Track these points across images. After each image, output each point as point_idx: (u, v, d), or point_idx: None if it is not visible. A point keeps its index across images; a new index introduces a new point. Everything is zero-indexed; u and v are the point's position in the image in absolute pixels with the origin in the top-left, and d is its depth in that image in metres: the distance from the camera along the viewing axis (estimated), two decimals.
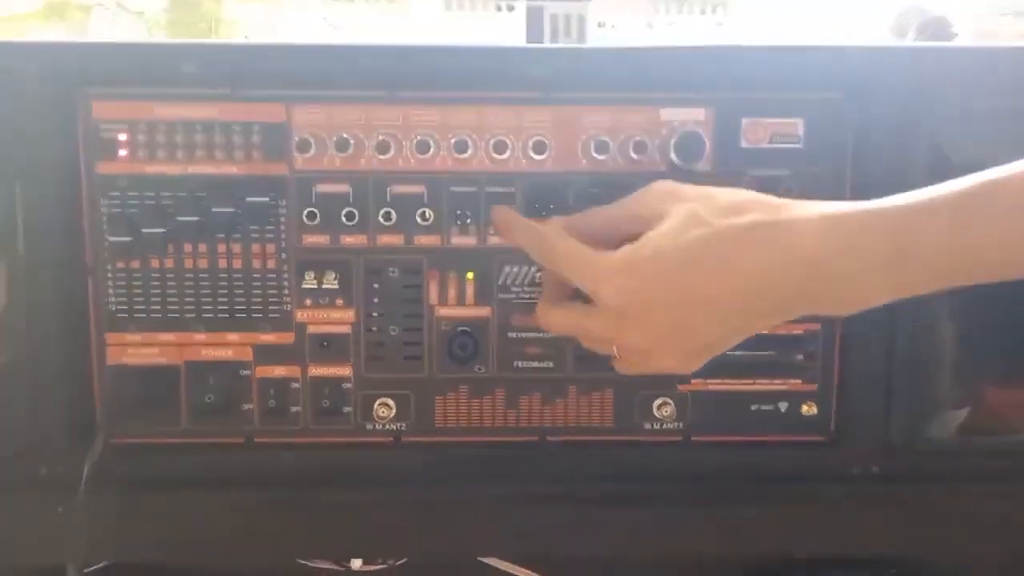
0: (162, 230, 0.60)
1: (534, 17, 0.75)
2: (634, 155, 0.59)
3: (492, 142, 0.59)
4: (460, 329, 0.62)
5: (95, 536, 0.59)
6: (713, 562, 0.67)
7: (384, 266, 0.61)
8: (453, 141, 0.59)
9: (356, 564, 0.66)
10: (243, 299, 0.61)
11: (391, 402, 0.62)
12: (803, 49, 0.60)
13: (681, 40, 0.64)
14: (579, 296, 0.54)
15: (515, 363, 0.62)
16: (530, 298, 0.61)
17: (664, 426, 0.63)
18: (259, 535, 0.62)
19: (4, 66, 0.57)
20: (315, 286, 0.61)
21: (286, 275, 0.61)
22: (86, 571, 0.61)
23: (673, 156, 0.59)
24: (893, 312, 0.60)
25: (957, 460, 0.63)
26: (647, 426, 0.63)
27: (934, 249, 0.45)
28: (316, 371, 0.62)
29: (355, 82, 0.59)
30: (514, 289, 0.61)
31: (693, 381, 0.63)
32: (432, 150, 0.59)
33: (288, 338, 0.62)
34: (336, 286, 0.61)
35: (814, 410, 0.63)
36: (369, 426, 0.63)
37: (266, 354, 0.62)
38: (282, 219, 0.60)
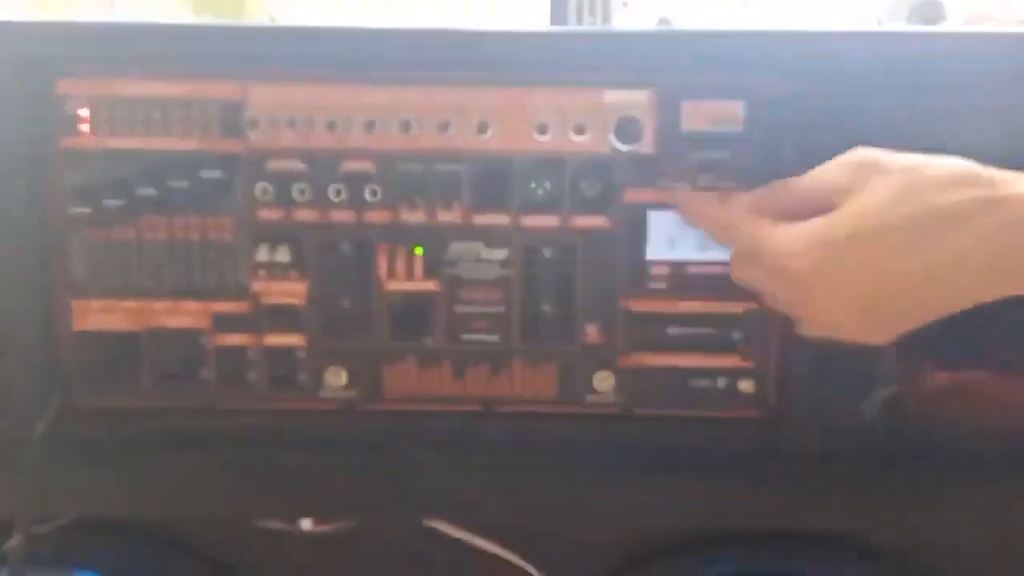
0: (122, 202, 0.62)
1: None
2: (575, 137, 0.61)
3: (438, 122, 0.61)
4: (409, 302, 0.64)
5: (58, 495, 0.62)
6: (652, 533, 0.69)
7: (335, 240, 0.63)
8: (399, 121, 0.61)
9: (306, 524, 0.69)
10: (200, 270, 0.63)
11: (342, 371, 0.65)
12: (744, 33, 0.60)
13: (628, 24, 0.65)
14: None
15: (462, 336, 0.64)
16: (476, 273, 0.63)
17: (605, 399, 0.65)
18: (214, 495, 0.65)
19: None
20: (268, 259, 0.63)
21: (241, 248, 0.63)
22: (50, 526, 0.65)
23: (613, 139, 0.61)
24: None
25: (895, 438, 0.64)
26: (588, 398, 0.65)
27: None
28: (271, 340, 0.64)
29: (308, 63, 0.61)
30: (462, 264, 0.63)
31: (634, 356, 0.65)
32: (379, 129, 0.61)
33: (244, 307, 0.64)
34: (289, 259, 0.63)
35: (752, 387, 0.65)
36: (321, 393, 0.65)
37: (223, 323, 0.64)
38: (238, 194, 0.62)
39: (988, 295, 0.48)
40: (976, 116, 0.60)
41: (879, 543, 0.69)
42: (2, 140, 0.61)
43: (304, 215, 0.62)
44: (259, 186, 0.62)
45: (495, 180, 0.62)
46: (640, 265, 0.63)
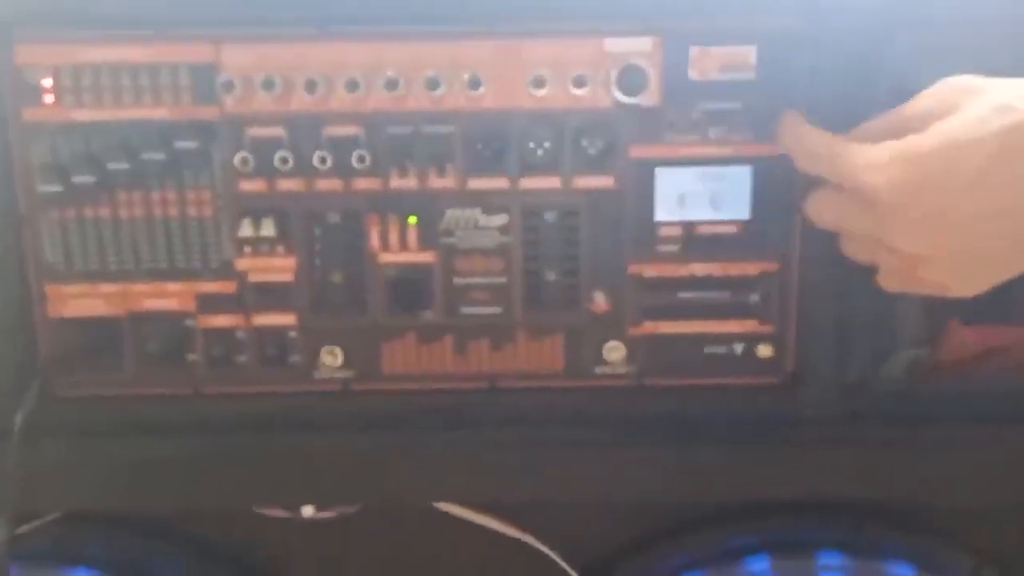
0: (93, 178, 0.57)
1: None
2: (575, 90, 0.56)
3: (426, 79, 0.56)
4: (404, 275, 0.59)
5: (43, 488, 0.59)
6: (668, 506, 0.66)
7: (323, 211, 0.58)
8: (385, 79, 0.56)
9: (307, 512, 0.65)
10: (182, 248, 0.59)
11: (337, 350, 0.60)
12: None
13: None
14: None
15: (462, 309, 0.60)
16: (474, 242, 0.59)
17: (615, 370, 0.61)
18: (208, 484, 0.61)
19: None
20: (253, 234, 0.58)
21: (224, 223, 0.59)
22: (38, 521, 0.61)
23: (615, 91, 0.56)
24: None
25: (915, 400, 0.60)
26: (598, 370, 0.61)
27: None
28: (260, 320, 0.60)
29: (285, 19, 0.56)
30: (458, 233, 0.59)
31: (645, 324, 0.60)
32: (363, 89, 0.56)
33: (230, 287, 0.59)
34: (274, 233, 0.58)
35: (770, 352, 0.60)
36: (316, 374, 0.61)
37: (209, 303, 0.60)
38: (216, 164, 0.58)
39: None
40: (997, 50, 0.55)
41: (901, 508, 0.66)
42: None
43: (288, 185, 0.58)
44: (239, 155, 0.57)
45: (490, 141, 0.57)
46: (649, 227, 0.58)
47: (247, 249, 0.59)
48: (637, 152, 0.57)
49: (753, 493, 0.63)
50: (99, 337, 0.60)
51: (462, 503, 0.65)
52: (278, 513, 0.65)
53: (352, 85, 0.56)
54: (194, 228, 0.58)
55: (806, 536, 0.65)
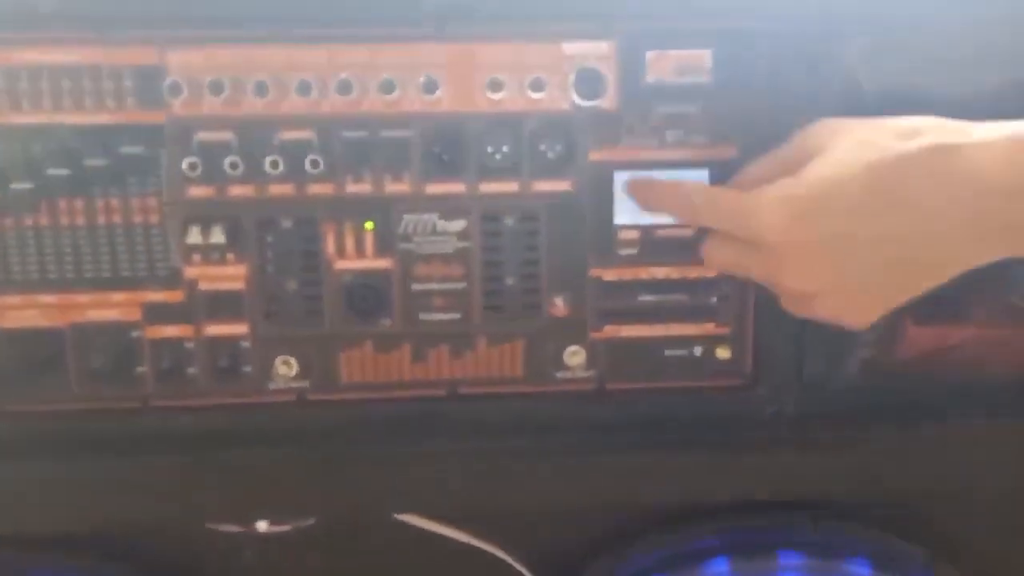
0: (32, 185, 0.54)
1: None
2: (532, 94, 0.55)
3: (381, 82, 0.54)
4: (361, 282, 0.58)
5: None
6: (630, 510, 0.65)
7: (276, 217, 0.56)
8: (339, 82, 0.54)
9: (261, 526, 0.63)
10: (127, 257, 0.56)
11: (292, 360, 0.58)
12: None
13: None
14: None
15: (421, 316, 0.59)
16: (432, 248, 0.57)
17: (576, 375, 0.60)
18: (158, 501, 0.59)
19: None
20: (202, 241, 0.56)
21: (171, 230, 0.56)
22: None
23: (573, 94, 0.55)
24: None
25: (871, 399, 0.61)
26: (559, 375, 0.60)
27: None
28: (211, 330, 0.58)
29: (233, 20, 0.54)
30: (416, 239, 0.57)
31: (605, 328, 0.60)
32: (316, 92, 0.54)
33: (178, 296, 0.57)
34: (224, 240, 0.56)
35: (728, 353, 0.60)
36: (271, 385, 0.59)
37: (156, 313, 0.57)
38: (162, 170, 0.55)
39: (979, 257, 0.44)
40: (949, 52, 0.56)
41: (860, 508, 0.66)
42: None
43: (239, 191, 0.55)
44: (186, 161, 0.54)
45: (447, 145, 0.56)
46: (608, 230, 0.58)
47: (196, 257, 0.56)
48: (596, 156, 0.57)
49: (714, 494, 0.63)
50: (40, 350, 0.57)
51: (423, 514, 0.63)
52: (231, 528, 0.63)
53: (304, 88, 0.54)
54: (140, 236, 0.56)
55: (766, 537, 0.65)
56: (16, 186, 0.54)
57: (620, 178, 0.57)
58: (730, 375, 0.61)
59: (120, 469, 0.59)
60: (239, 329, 0.58)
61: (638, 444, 0.60)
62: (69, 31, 0.53)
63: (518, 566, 0.67)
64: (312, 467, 0.59)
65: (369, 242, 0.57)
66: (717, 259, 0.53)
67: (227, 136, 0.55)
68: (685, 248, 0.58)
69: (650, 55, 0.55)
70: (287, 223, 0.56)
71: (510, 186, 0.57)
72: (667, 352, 0.60)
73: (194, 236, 0.56)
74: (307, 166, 0.55)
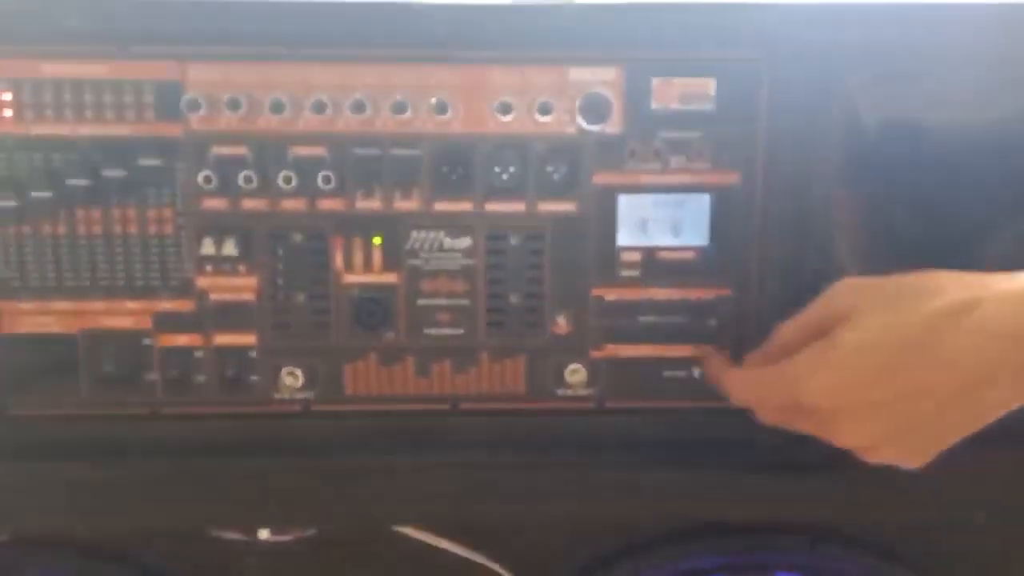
0: (51, 194, 0.56)
1: None
2: (540, 117, 0.56)
3: (394, 102, 0.55)
4: (368, 296, 0.59)
5: None
6: (627, 528, 0.66)
7: (287, 231, 0.57)
8: (352, 102, 0.55)
9: (264, 535, 0.63)
10: (140, 266, 0.57)
11: (298, 371, 0.59)
12: (715, 6, 0.56)
13: None
14: None
15: (425, 330, 0.59)
16: (438, 264, 0.58)
17: (576, 392, 0.61)
18: (164, 507, 0.59)
19: None
20: (214, 252, 0.57)
21: (184, 241, 0.57)
22: None
23: (579, 118, 0.56)
24: (803, 279, 0.58)
25: None
26: (559, 392, 0.61)
27: None
28: (220, 340, 0.58)
29: (252, 39, 0.55)
30: (422, 255, 0.58)
31: (606, 347, 0.60)
32: (331, 111, 0.55)
33: (189, 306, 0.58)
34: (236, 252, 0.57)
35: None
36: (277, 395, 0.59)
37: (167, 322, 0.58)
38: (178, 183, 0.56)
39: (1015, 401, 0.46)
40: (950, 87, 0.57)
41: (856, 531, 0.66)
42: None
43: (252, 204, 0.56)
44: (202, 174, 0.56)
45: (456, 164, 0.57)
46: (611, 252, 0.58)
47: (208, 268, 0.57)
48: (600, 179, 0.58)
49: (711, 515, 0.63)
50: (54, 355, 0.58)
51: (423, 526, 0.63)
52: (234, 536, 0.63)
53: (319, 107, 0.55)
54: (154, 246, 0.57)
55: (762, 558, 0.65)
56: (36, 195, 0.55)
57: (623, 201, 0.58)
58: (728, 397, 0.61)
59: (126, 474, 0.59)
60: (247, 339, 0.58)
61: (636, 463, 0.61)
62: (92, 46, 0.54)
63: None
64: (315, 478, 0.60)
65: (377, 257, 0.58)
66: (772, 423, 0.54)
67: (242, 151, 0.56)
68: (686, 270, 0.59)
69: (656, 82, 0.56)
70: (298, 237, 0.57)
71: (516, 206, 0.58)
72: (666, 372, 0.61)
73: (207, 247, 0.57)
74: (319, 182, 0.56)
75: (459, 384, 0.60)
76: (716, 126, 0.57)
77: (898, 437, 0.48)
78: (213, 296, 0.58)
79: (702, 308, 0.60)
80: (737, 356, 0.60)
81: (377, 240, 0.58)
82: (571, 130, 0.57)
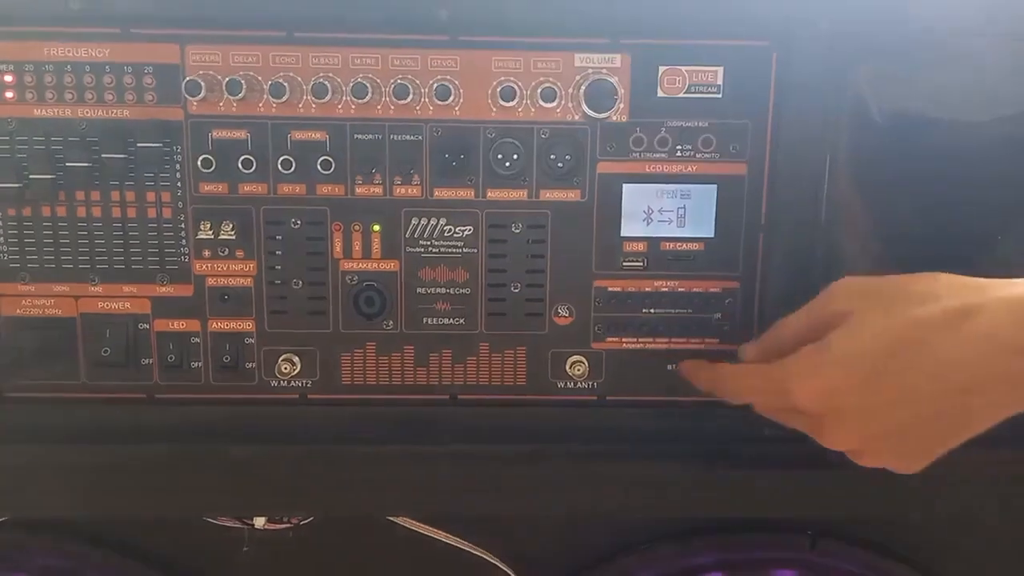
0: (51, 176, 0.55)
1: None
2: (543, 103, 0.55)
3: (395, 87, 0.54)
4: (366, 283, 0.57)
5: None
6: (625, 522, 0.64)
7: (285, 216, 0.56)
8: (353, 86, 0.54)
9: (259, 522, 0.63)
10: (139, 250, 0.56)
11: (295, 358, 0.58)
12: None
13: None
14: None
15: (425, 319, 0.58)
16: (438, 252, 0.58)
17: (578, 385, 0.59)
18: (160, 491, 0.58)
19: None
20: (212, 237, 0.56)
21: (183, 225, 0.56)
22: None
23: (584, 106, 0.55)
24: (812, 274, 0.57)
25: None
26: (560, 385, 0.59)
27: None
28: (217, 325, 0.57)
29: (252, 22, 0.54)
30: (422, 242, 0.57)
31: (608, 340, 0.59)
32: (331, 95, 0.54)
33: (187, 290, 0.57)
34: (233, 236, 0.56)
35: None
36: (273, 382, 0.58)
37: (164, 307, 0.57)
38: (177, 166, 0.56)
39: (1008, 410, 0.45)
40: (960, 77, 0.55)
41: (856, 528, 0.65)
42: None
43: (250, 189, 0.56)
44: (201, 157, 0.55)
45: (458, 151, 0.55)
46: (614, 242, 0.57)
47: (206, 252, 0.56)
48: (604, 167, 0.56)
49: (711, 510, 0.61)
50: (52, 338, 0.57)
51: (419, 517, 0.62)
52: (230, 523, 0.63)
53: (320, 90, 0.54)
54: (152, 230, 0.56)
55: (761, 554, 0.64)
56: (35, 177, 0.54)
57: (628, 190, 0.57)
58: None
59: (122, 458, 0.58)
60: (245, 325, 0.57)
61: (637, 457, 0.59)
62: (93, 28, 0.54)
63: (511, 573, 0.66)
64: (311, 465, 0.59)
65: (376, 244, 0.57)
66: (769, 417, 0.53)
67: (241, 134, 0.55)
68: (691, 262, 0.58)
69: (663, 69, 0.55)
70: (296, 222, 0.56)
71: (518, 194, 0.56)
72: (670, 366, 0.59)
73: (205, 231, 0.56)
74: (318, 167, 0.55)
75: (458, 375, 0.59)
76: (723, 115, 0.55)
77: (888, 443, 0.47)
78: (211, 281, 0.57)
79: (707, 301, 0.58)
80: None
81: (376, 227, 0.57)
82: (575, 117, 0.55)
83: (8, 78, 0.54)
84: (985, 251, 0.56)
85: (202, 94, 0.53)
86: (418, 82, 0.54)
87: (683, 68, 0.55)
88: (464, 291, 0.58)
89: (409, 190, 0.56)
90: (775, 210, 0.57)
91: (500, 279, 0.57)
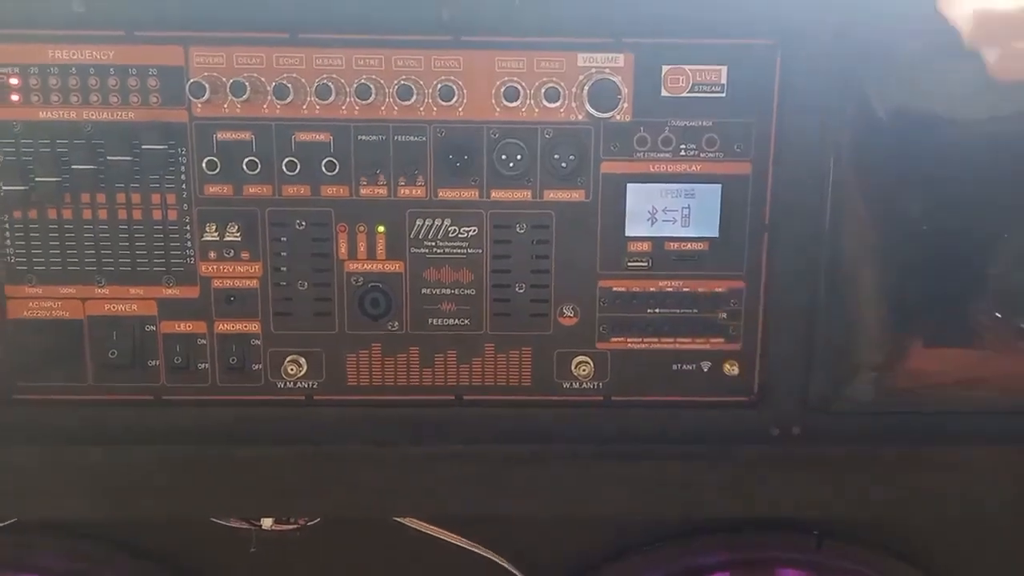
0: (57, 179, 0.55)
1: None
2: (547, 103, 0.54)
3: (399, 88, 0.54)
4: (372, 284, 0.57)
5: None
6: (631, 522, 0.64)
7: (290, 218, 0.56)
8: (357, 87, 0.54)
9: (266, 523, 0.62)
10: (144, 251, 0.56)
11: (301, 359, 0.58)
12: None
13: None
14: None
15: (430, 320, 0.58)
16: (443, 253, 0.57)
17: (583, 386, 0.59)
18: (167, 492, 0.58)
19: None
20: (217, 238, 0.56)
21: (188, 227, 0.56)
22: None
23: (588, 106, 0.55)
24: (817, 273, 0.56)
25: (875, 421, 0.59)
26: (566, 385, 0.59)
27: None
28: (223, 327, 0.57)
29: (255, 24, 0.53)
30: (427, 243, 0.57)
31: (613, 340, 0.59)
32: (335, 96, 0.54)
33: (193, 292, 0.57)
34: (238, 238, 0.56)
35: (736, 370, 0.58)
36: (279, 384, 0.58)
37: (171, 309, 0.57)
38: (182, 168, 0.55)
39: None
40: (963, 78, 0.55)
41: (862, 528, 0.65)
42: None
43: (255, 190, 0.55)
44: (206, 159, 0.55)
45: (462, 151, 0.55)
46: (619, 242, 0.57)
47: (211, 254, 0.56)
48: (608, 167, 0.56)
49: (717, 510, 0.61)
50: (59, 340, 0.57)
51: (425, 517, 0.62)
52: (237, 524, 0.62)
53: (323, 92, 0.53)
54: (158, 232, 0.56)
55: (767, 553, 0.63)
56: (41, 179, 0.54)
57: (632, 190, 0.56)
58: (738, 392, 0.59)
59: (130, 460, 0.58)
60: (251, 327, 0.57)
61: (642, 457, 0.59)
62: (98, 31, 0.53)
63: (517, 572, 0.65)
64: (317, 466, 0.58)
65: (381, 245, 0.57)
66: None
67: (246, 136, 0.55)
68: (695, 262, 0.57)
69: (666, 69, 0.54)
70: (301, 224, 0.56)
71: (522, 194, 0.56)
72: (674, 366, 0.59)
73: (210, 233, 0.56)
74: (323, 168, 0.55)
75: (464, 375, 0.58)
76: (727, 115, 0.55)
77: None
78: (217, 283, 0.57)
79: (711, 301, 0.58)
80: (749, 351, 0.59)
81: (381, 228, 0.56)
82: (579, 117, 0.55)
83: (13, 81, 0.54)
84: (988, 250, 0.56)
85: (206, 96, 0.53)
86: (422, 83, 0.54)
87: (687, 67, 0.55)
88: (469, 292, 0.57)
89: (413, 191, 0.56)
90: (779, 209, 0.56)
91: (505, 280, 0.57)
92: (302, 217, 0.56)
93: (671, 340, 0.58)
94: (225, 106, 0.54)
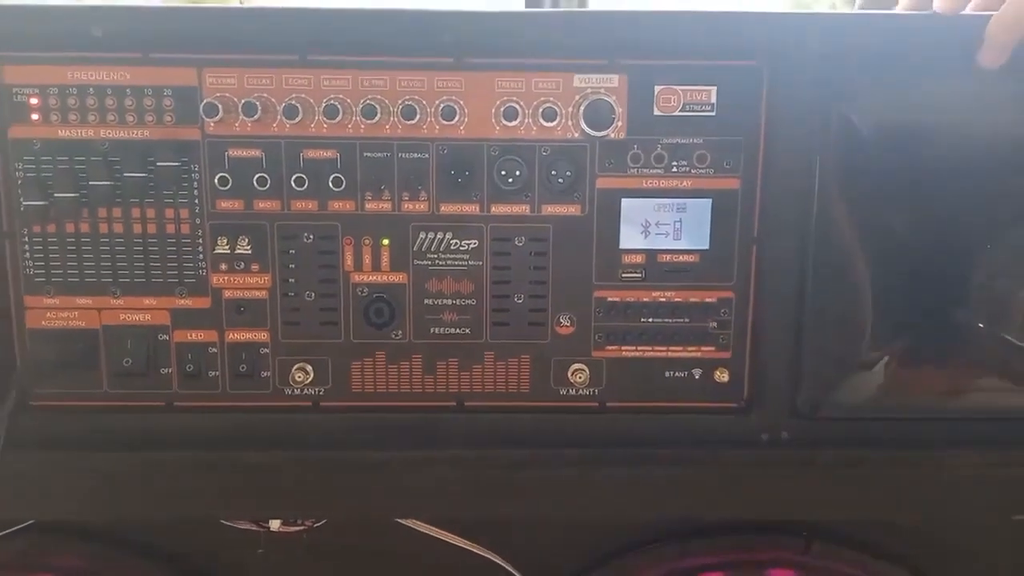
0: (75, 194, 0.57)
1: None
2: (545, 122, 0.57)
3: (403, 107, 0.56)
4: (376, 295, 0.59)
5: (16, 497, 0.58)
6: (626, 525, 0.66)
7: (298, 232, 0.58)
8: (363, 106, 0.56)
9: (274, 525, 0.64)
10: (158, 264, 0.58)
11: (308, 367, 0.60)
12: (717, 16, 0.56)
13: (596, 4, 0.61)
14: None
15: (432, 329, 0.60)
16: (445, 265, 0.59)
17: (579, 392, 0.61)
18: (178, 496, 0.60)
19: None
20: (229, 251, 0.58)
21: (200, 240, 0.58)
22: (7, 531, 0.60)
23: (583, 124, 0.57)
24: (803, 282, 0.58)
25: (862, 426, 0.60)
26: (562, 392, 0.61)
27: None
28: (233, 336, 0.59)
29: (267, 46, 0.56)
30: (430, 256, 0.59)
31: (608, 348, 0.61)
32: (342, 115, 0.56)
33: (204, 303, 0.59)
34: (249, 251, 0.58)
35: (727, 377, 0.61)
36: (287, 390, 0.60)
37: (183, 319, 0.59)
38: (195, 184, 0.57)
39: None
40: (947, 94, 0.57)
41: (852, 530, 0.66)
42: None
43: (265, 205, 0.57)
44: (218, 175, 0.57)
45: (463, 168, 0.57)
46: (613, 254, 0.59)
47: (223, 266, 0.58)
48: (603, 183, 0.58)
49: (709, 514, 0.63)
50: (76, 349, 0.59)
51: (427, 519, 0.64)
52: (245, 526, 0.64)
53: (331, 111, 0.56)
54: (172, 245, 0.58)
55: (758, 556, 0.65)
56: (61, 195, 0.56)
57: (626, 204, 0.58)
58: (728, 398, 0.61)
59: (142, 464, 0.60)
60: (260, 336, 0.59)
61: (636, 461, 0.61)
62: (115, 53, 0.56)
63: (517, 574, 0.67)
64: (323, 470, 0.60)
65: (385, 257, 0.59)
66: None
67: (256, 153, 0.57)
68: (687, 273, 0.59)
69: (658, 89, 0.57)
70: (309, 237, 0.58)
71: (521, 209, 0.58)
72: (667, 373, 0.61)
73: (222, 246, 0.58)
74: (330, 184, 0.57)
75: (464, 382, 0.60)
76: (717, 132, 0.57)
77: None
78: (227, 294, 0.59)
79: (702, 310, 0.60)
80: (738, 359, 0.60)
81: (386, 241, 0.58)
82: (575, 135, 0.57)
83: (34, 101, 0.56)
84: (970, 262, 0.58)
85: (219, 115, 0.55)
86: (425, 103, 0.56)
87: (678, 88, 0.57)
88: (470, 302, 0.59)
89: (417, 206, 0.58)
90: (767, 222, 0.58)
91: (504, 290, 0.59)
92: (310, 231, 0.58)
93: (664, 348, 0.60)
94: (237, 125, 0.56)
